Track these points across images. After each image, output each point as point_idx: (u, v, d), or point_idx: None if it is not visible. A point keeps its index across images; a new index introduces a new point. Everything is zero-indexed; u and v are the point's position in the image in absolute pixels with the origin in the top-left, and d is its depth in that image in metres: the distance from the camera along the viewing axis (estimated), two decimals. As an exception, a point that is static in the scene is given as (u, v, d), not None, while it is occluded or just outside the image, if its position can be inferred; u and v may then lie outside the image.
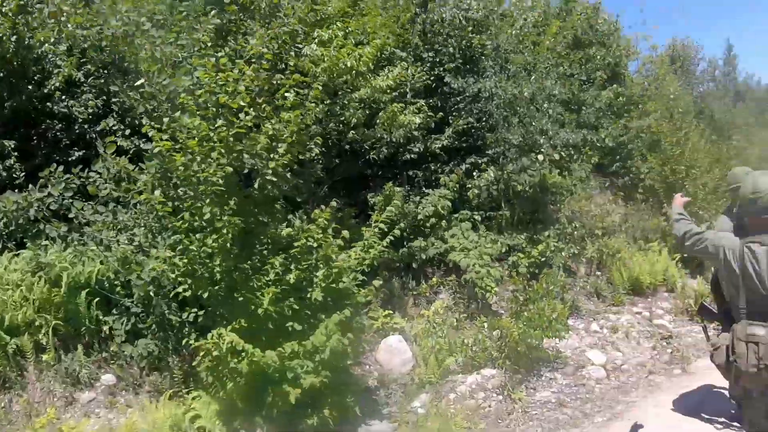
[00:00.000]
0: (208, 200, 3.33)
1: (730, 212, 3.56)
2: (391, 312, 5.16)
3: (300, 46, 4.88)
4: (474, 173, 6.19)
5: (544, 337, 4.73)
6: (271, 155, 3.47)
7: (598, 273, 6.95)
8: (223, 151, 3.31)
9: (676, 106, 10.09)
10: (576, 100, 7.81)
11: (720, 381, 2.34)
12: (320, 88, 3.92)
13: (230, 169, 3.30)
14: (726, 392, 3.69)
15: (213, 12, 4.21)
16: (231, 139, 3.32)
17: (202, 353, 3.33)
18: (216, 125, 3.32)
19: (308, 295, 3.51)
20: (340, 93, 5.23)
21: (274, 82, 3.70)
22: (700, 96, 15.13)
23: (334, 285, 3.58)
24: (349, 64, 4.77)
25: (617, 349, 5.51)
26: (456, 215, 5.92)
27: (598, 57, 8.95)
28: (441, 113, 6.17)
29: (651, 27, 11.81)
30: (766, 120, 18.71)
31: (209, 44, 3.94)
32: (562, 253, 6.20)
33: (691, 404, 4.16)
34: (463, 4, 6.47)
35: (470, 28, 6.51)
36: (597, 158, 7.40)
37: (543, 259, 6.02)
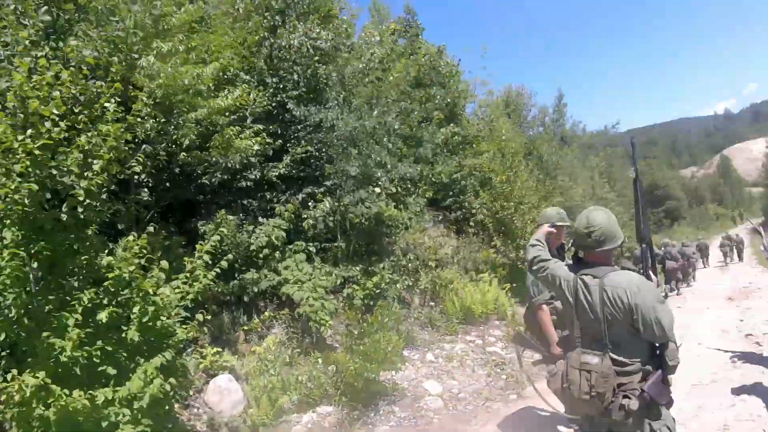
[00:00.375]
0: (8, 221, 3.07)
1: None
2: (220, 349, 5.10)
3: (136, 56, 4.79)
4: (310, 204, 6.45)
5: (380, 370, 5.03)
6: (85, 173, 3.26)
7: (432, 304, 7.69)
8: (28, 164, 3.06)
9: (508, 146, 11.65)
10: (415, 136, 8.72)
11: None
12: (145, 100, 3.83)
13: (35, 186, 3.05)
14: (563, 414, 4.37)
15: (44, 8, 4.02)
16: (38, 151, 3.07)
17: (3, 398, 2.99)
18: (23, 135, 3.08)
19: (124, 335, 3.32)
20: (175, 111, 5.19)
21: (95, 90, 3.56)
22: (531, 139, 17.66)
23: (151, 323, 3.40)
24: (187, 82, 4.82)
25: (453, 377, 5.98)
26: (290, 246, 6.09)
27: (438, 97, 10.15)
28: (280, 141, 6.42)
29: (490, 73, 13.80)
30: (588, 163, 22.44)
31: (29, 43, 3.72)
32: (397, 285, 6.75)
33: (531, 427, 4.59)
34: (312, 33, 6.86)
35: (317, 58, 6.91)
36: (432, 193, 8.29)
37: (378, 291, 6.44)
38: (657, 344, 2.32)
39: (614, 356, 2.29)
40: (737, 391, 5.10)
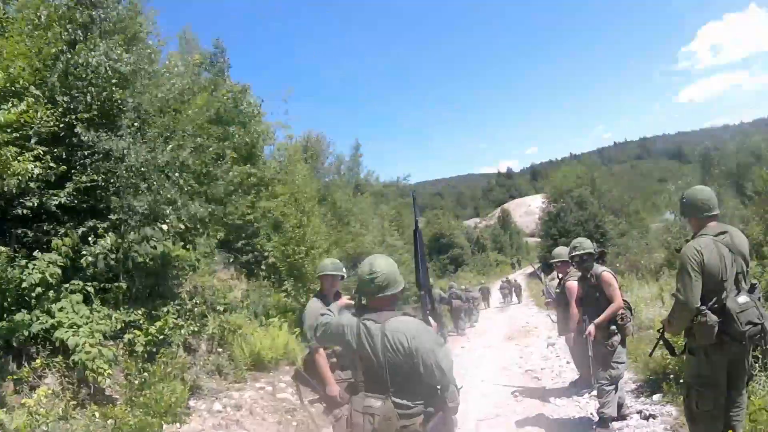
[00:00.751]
0: None
1: (321, 295, 5.16)
2: (-15, 403, 4.69)
3: None
4: (90, 238, 6.28)
5: (163, 424, 5.08)
6: None
7: (220, 350, 7.82)
8: None
9: (302, 191, 12.52)
10: (209, 174, 9.01)
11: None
12: None
13: None
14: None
15: None
16: None
17: None
18: None
19: None
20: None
21: None
22: (326, 185, 19.05)
23: None
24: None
25: (243, 427, 6.11)
26: (66, 286, 5.86)
27: (237, 136, 10.61)
28: (65, 166, 6.21)
29: (291, 117, 14.69)
30: (380, 211, 24.67)
31: None
32: (182, 331, 6.79)
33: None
34: (113, 54, 6.77)
35: (114, 81, 6.83)
36: (223, 234, 8.61)
37: (162, 337, 6.39)
38: (438, 386, 2.59)
39: (396, 399, 2.50)
40: (521, 423, 6.17)
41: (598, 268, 5.61)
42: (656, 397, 6.21)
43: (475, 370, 9.72)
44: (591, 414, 6.19)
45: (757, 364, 4.59)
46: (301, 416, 6.75)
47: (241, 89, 11.30)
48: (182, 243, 7.44)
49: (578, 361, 6.93)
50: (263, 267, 10.56)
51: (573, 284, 6.49)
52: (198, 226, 7.86)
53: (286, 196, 11.67)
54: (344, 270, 5.14)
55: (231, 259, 10.12)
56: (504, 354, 11.42)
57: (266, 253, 10.62)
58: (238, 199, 9.64)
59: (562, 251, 7.19)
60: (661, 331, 3.94)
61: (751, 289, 3.60)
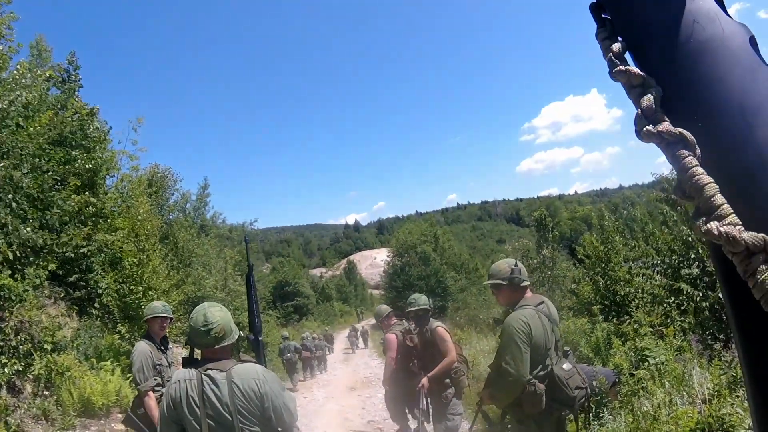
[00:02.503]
0: None
1: (149, 336, 5.19)
2: None
3: None
4: None
5: None
6: None
7: (47, 393, 7.40)
8: None
9: (144, 227, 12.16)
10: (45, 198, 8.54)
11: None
12: None
13: None
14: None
15: None
16: None
17: None
18: None
19: None
20: None
21: None
22: (169, 223, 18.48)
23: None
24: None
25: None
26: None
27: (80, 160, 10.14)
28: None
29: (139, 149, 14.11)
30: (224, 254, 24.21)
31: None
32: (5, 369, 6.43)
33: None
34: None
35: None
36: (55, 265, 8.17)
37: None
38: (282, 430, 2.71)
39: None
40: None
41: (433, 323, 5.95)
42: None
43: (317, 421, 9.96)
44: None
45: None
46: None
47: (89, 111, 10.86)
48: (10, 272, 7.00)
49: (393, 412, 7.24)
50: (96, 305, 10.03)
51: (391, 336, 6.63)
52: (28, 254, 7.43)
53: (125, 231, 11.29)
54: (171, 313, 5.32)
55: (62, 294, 9.54)
56: (346, 404, 11.79)
57: (101, 290, 10.11)
58: (73, 230, 9.14)
59: (382, 309, 7.59)
60: (479, 403, 4.10)
61: (565, 355, 3.97)
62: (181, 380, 2.65)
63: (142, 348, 4.97)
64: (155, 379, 4.91)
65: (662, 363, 6.86)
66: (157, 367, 4.99)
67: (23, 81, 7.42)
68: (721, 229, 0.65)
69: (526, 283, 3.84)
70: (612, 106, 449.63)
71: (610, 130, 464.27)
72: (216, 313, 2.74)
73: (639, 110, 0.79)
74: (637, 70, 0.81)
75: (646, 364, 7.07)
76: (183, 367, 2.77)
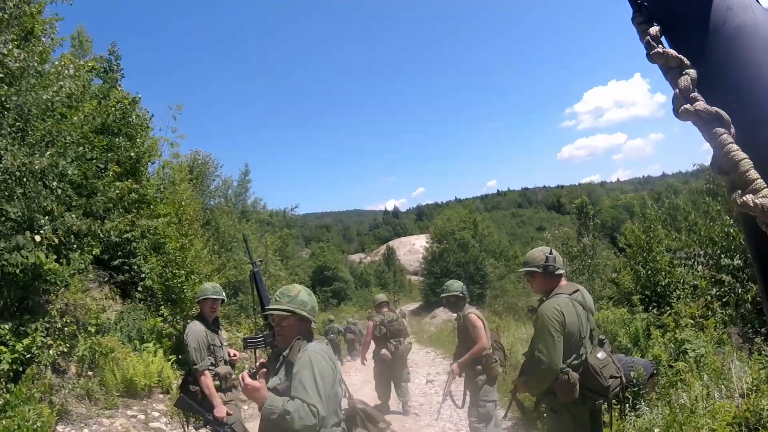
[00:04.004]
0: None
1: (201, 318, 5.29)
2: None
3: None
4: None
5: None
6: None
7: (90, 373, 7.61)
8: None
9: (186, 213, 12.41)
10: (89, 185, 8.77)
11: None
12: None
13: None
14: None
15: None
16: None
17: None
18: None
19: None
20: None
21: None
22: (210, 208, 18.79)
23: None
24: None
25: None
26: None
27: (123, 148, 10.37)
28: None
29: (180, 135, 14.46)
30: (265, 240, 24.51)
31: None
32: (51, 350, 6.59)
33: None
34: (3, 48, 6.54)
35: (1, 75, 6.60)
36: (99, 250, 8.38)
37: (29, 356, 6.21)
38: None
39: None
40: None
41: (467, 309, 6.09)
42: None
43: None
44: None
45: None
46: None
47: (131, 100, 11.08)
48: (55, 256, 7.17)
49: (378, 388, 9.19)
50: (140, 289, 10.28)
51: (369, 323, 8.93)
52: (73, 240, 7.62)
53: (168, 217, 11.49)
54: (224, 294, 5.37)
55: (106, 278, 9.80)
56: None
57: (144, 275, 10.35)
58: (117, 215, 9.37)
59: (377, 298, 9.46)
60: (513, 392, 4.12)
61: (600, 344, 3.84)
62: (326, 349, 2.94)
63: (198, 328, 5.01)
64: (209, 359, 4.95)
65: (701, 355, 6.66)
66: (211, 347, 5.02)
67: (66, 72, 7.55)
68: (756, 201, 0.70)
69: (561, 271, 3.82)
70: (656, 91, 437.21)
71: (653, 116, 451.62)
72: (307, 293, 3.08)
73: (677, 90, 0.84)
74: (674, 52, 0.86)
75: (686, 356, 6.87)
76: (246, 347, 3.29)
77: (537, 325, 3.68)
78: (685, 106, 0.81)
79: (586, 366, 3.58)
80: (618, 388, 3.71)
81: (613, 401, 3.86)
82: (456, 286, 6.25)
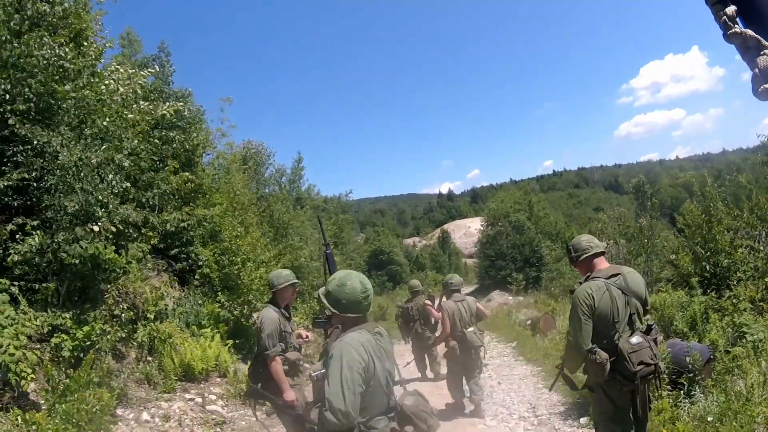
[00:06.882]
0: None
1: (275, 303, 5.26)
2: None
3: None
4: (17, 236, 6.21)
5: None
6: None
7: (150, 358, 7.82)
8: None
9: (241, 201, 12.61)
10: (146, 178, 9.01)
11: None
12: None
13: None
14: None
15: None
16: None
17: None
18: None
19: None
20: None
21: None
22: (265, 196, 19.05)
23: None
24: None
25: None
26: None
27: (177, 141, 10.62)
28: None
29: (232, 125, 14.77)
30: (314, 225, 24.74)
31: None
32: (109, 336, 6.73)
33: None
34: (61, 50, 6.73)
35: (57, 77, 6.78)
36: (157, 240, 8.60)
37: (89, 342, 6.36)
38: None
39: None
40: None
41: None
42: (583, 420, 6.67)
43: (408, 389, 9.96)
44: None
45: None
46: (231, 430, 6.89)
47: (183, 94, 11.30)
48: (114, 247, 7.30)
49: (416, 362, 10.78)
50: (197, 276, 10.53)
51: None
52: (131, 230, 7.81)
53: (223, 206, 11.69)
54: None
55: (165, 266, 10.07)
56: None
57: (200, 262, 10.59)
58: (174, 206, 9.62)
59: (412, 284, 11.19)
60: (560, 366, 4.22)
61: (647, 330, 3.82)
62: (364, 343, 2.75)
63: (271, 314, 5.03)
64: (280, 345, 4.99)
65: (760, 340, 6.28)
66: (283, 334, 5.05)
67: (121, 70, 7.76)
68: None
69: (592, 251, 4.01)
70: (714, 64, 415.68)
71: (712, 90, 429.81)
72: (368, 281, 2.93)
73: (756, 70, 0.85)
74: (752, 33, 0.86)
75: (744, 341, 6.50)
76: (315, 326, 3.01)
77: (571, 308, 3.89)
78: (765, 85, 0.82)
79: (617, 349, 3.67)
80: (651, 375, 3.74)
81: (667, 387, 4.33)
82: (456, 279, 8.22)
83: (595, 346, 3.70)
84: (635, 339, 3.70)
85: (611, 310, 3.72)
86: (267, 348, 4.87)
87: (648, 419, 4.01)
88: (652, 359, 3.68)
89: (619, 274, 3.88)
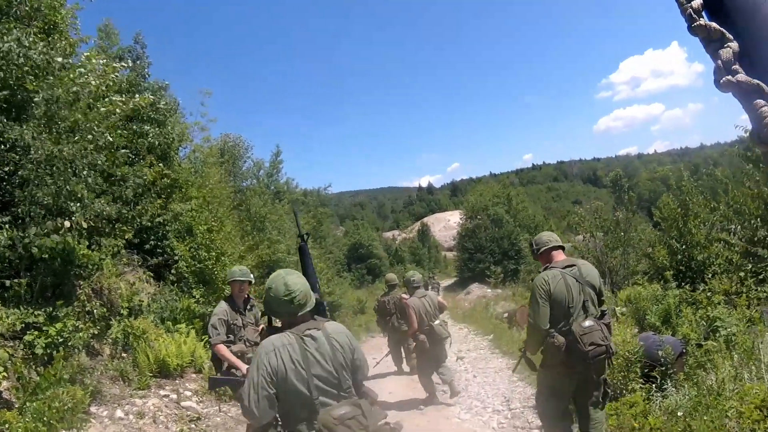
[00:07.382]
0: None
1: (230, 299, 5.56)
2: None
3: None
4: None
5: (61, 430, 5.05)
6: None
7: (124, 355, 7.74)
8: None
9: (216, 195, 12.52)
10: (120, 172, 8.85)
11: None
12: None
13: None
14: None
15: None
16: None
17: None
18: None
19: None
20: None
21: None
22: (242, 190, 18.93)
23: None
24: None
25: None
26: None
27: (152, 135, 10.48)
28: None
29: (209, 119, 14.58)
30: (292, 218, 24.68)
31: None
32: (81, 333, 6.59)
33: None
34: (26, 41, 6.57)
35: (27, 69, 6.64)
36: (131, 234, 8.49)
37: (62, 339, 6.23)
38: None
39: (359, 401, 2.65)
40: None
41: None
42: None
43: (384, 382, 10.05)
44: (493, 429, 6.74)
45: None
46: (206, 426, 6.87)
47: (159, 87, 11.17)
48: (88, 242, 7.28)
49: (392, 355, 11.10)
50: (173, 271, 10.44)
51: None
52: (104, 225, 7.72)
53: (199, 200, 11.61)
54: (252, 276, 5.82)
55: (140, 262, 9.98)
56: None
57: (176, 257, 10.51)
58: (148, 201, 9.50)
59: (389, 278, 11.52)
60: (522, 350, 4.60)
61: (601, 316, 4.26)
62: (279, 347, 2.62)
63: (221, 308, 5.54)
64: (228, 336, 5.40)
65: (732, 334, 6.45)
66: (232, 326, 5.48)
67: (94, 63, 7.62)
68: (794, 171, 0.77)
69: (550, 245, 4.46)
70: (693, 60, 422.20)
71: (692, 86, 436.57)
72: (296, 281, 2.74)
73: (719, 62, 0.87)
74: (716, 25, 0.87)
75: (717, 335, 6.67)
76: (268, 334, 2.78)
77: (530, 293, 4.31)
78: (726, 77, 0.84)
79: (571, 332, 4.03)
80: (603, 356, 4.07)
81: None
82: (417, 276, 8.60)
83: (552, 330, 4.09)
84: (587, 323, 4.05)
85: (566, 297, 4.10)
86: (210, 336, 5.34)
87: (594, 398, 4.33)
88: (603, 340, 4.01)
89: (574, 265, 4.29)
